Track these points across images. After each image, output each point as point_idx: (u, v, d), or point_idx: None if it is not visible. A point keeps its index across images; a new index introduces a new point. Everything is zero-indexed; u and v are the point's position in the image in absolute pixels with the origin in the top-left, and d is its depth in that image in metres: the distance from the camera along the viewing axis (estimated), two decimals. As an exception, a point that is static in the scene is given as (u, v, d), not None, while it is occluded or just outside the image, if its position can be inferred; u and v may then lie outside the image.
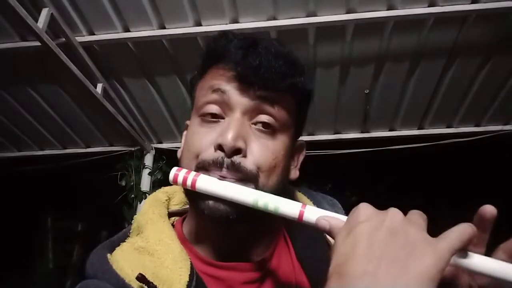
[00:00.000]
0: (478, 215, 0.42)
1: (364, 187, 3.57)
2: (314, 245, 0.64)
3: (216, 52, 0.59)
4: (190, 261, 0.55)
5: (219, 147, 0.53)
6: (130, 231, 0.63)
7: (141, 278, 0.49)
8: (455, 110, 2.58)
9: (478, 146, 2.66)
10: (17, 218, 4.31)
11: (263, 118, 0.56)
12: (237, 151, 0.53)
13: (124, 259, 0.53)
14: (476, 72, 2.26)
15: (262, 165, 0.54)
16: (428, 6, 1.85)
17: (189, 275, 0.53)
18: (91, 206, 4.15)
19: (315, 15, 1.90)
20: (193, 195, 0.55)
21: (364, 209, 0.41)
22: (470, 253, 0.41)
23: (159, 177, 2.90)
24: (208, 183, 0.52)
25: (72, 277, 4.31)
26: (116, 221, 2.88)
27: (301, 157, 0.66)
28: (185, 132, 0.65)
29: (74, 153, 3.03)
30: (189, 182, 0.53)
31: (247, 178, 0.53)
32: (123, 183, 2.84)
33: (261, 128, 0.56)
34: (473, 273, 0.44)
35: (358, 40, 2.05)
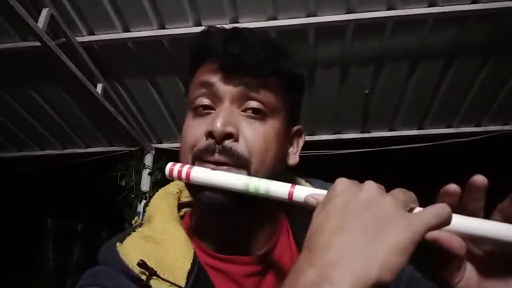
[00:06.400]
0: (470, 186, 0.41)
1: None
2: None
3: (199, 50, 0.61)
4: (194, 251, 0.57)
5: (210, 134, 0.54)
6: (143, 222, 0.65)
7: (141, 264, 0.52)
8: (455, 110, 2.58)
9: (478, 146, 2.66)
10: (17, 218, 4.31)
11: (251, 104, 0.57)
12: (228, 135, 0.54)
13: (132, 246, 0.56)
14: (476, 72, 2.26)
15: (253, 149, 0.55)
16: (428, 6, 1.85)
17: (191, 263, 0.54)
18: (91, 206, 4.15)
19: (315, 15, 1.90)
20: (192, 188, 0.57)
21: (341, 183, 0.41)
22: (466, 217, 0.39)
23: (159, 177, 2.90)
24: (201, 174, 0.53)
25: (72, 277, 4.31)
26: (116, 221, 2.88)
27: (301, 142, 0.66)
28: None
29: (74, 153, 3.03)
30: (183, 175, 0.54)
31: (239, 162, 0.54)
32: (123, 183, 2.83)
33: (250, 114, 0.57)
34: (472, 238, 0.42)
35: (358, 40, 2.05)
